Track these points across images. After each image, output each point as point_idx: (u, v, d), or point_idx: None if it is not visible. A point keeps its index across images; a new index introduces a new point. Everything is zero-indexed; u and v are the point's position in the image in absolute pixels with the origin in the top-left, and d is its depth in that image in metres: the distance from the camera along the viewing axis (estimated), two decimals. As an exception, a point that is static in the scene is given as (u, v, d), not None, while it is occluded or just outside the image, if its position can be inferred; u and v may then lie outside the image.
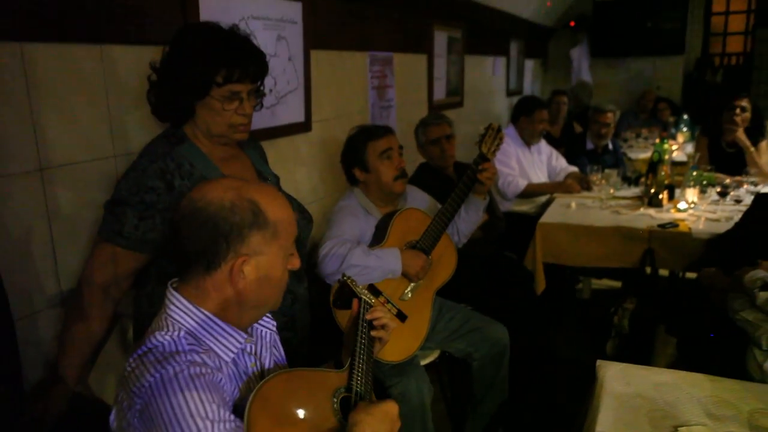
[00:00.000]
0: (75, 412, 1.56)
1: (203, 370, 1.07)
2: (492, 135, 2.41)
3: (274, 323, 1.36)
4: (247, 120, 1.65)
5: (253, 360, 1.26)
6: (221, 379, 1.11)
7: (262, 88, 1.68)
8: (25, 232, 1.62)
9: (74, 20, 1.67)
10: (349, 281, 1.53)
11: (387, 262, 2.18)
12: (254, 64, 1.60)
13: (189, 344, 1.12)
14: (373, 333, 1.43)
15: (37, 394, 1.56)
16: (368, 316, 1.44)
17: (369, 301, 1.49)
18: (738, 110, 4.08)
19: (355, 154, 2.37)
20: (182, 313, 1.16)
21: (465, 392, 2.59)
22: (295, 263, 1.27)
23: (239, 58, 1.56)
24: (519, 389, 2.72)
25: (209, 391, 1.05)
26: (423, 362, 2.37)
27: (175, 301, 1.17)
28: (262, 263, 1.18)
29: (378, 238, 2.31)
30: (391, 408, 1.19)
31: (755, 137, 4.14)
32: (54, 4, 1.61)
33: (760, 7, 7.38)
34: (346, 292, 1.53)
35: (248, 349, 1.26)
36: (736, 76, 7.48)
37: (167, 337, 1.11)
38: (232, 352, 1.19)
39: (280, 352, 1.38)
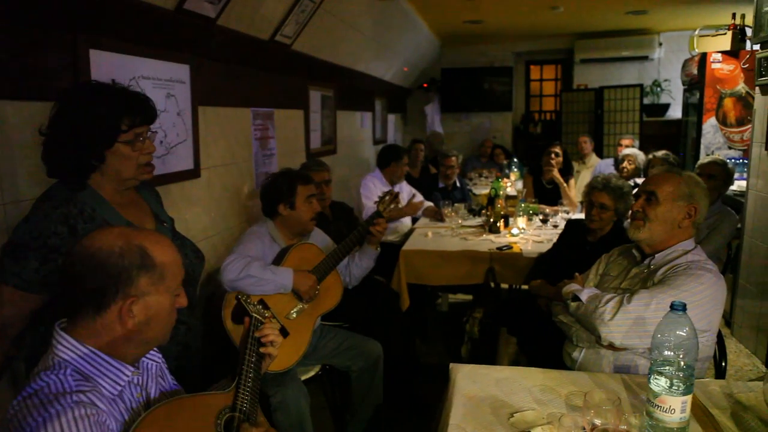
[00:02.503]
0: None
1: (89, 411, 0.98)
2: (390, 199, 2.51)
3: (160, 355, 1.28)
4: (152, 159, 1.58)
5: (139, 390, 1.18)
6: (106, 419, 1.02)
7: (154, 132, 1.62)
8: None
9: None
10: (242, 300, 1.50)
11: (281, 277, 2.16)
12: (148, 107, 1.55)
13: (76, 381, 1.03)
14: (262, 349, 1.40)
15: None
16: (257, 334, 1.40)
17: (260, 319, 1.45)
18: (552, 155, 4.48)
19: (284, 193, 2.36)
20: (69, 351, 1.06)
21: (346, 400, 2.58)
22: (182, 302, 1.21)
23: (136, 104, 1.52)
24: (392, 393, 2.75)
25: None
26: (305, 376, 2.35)
27: (62, 340, 1.07)
28: (151, 303, 1.12)
29: (276, 262, 2.29)
30: None
31: (566, 175, 4.55)
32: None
33: (564, 76, 8.25)
34: (241, 310, 1.49)
35: (135, 381, 1.17)
36: (551, 128, 8.21)
37: (53, 377, 1.01)
38: (120, 385, 1.10)
39: (167, 381, 1.30)
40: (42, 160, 1.47)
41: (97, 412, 1.00)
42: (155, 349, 1.26)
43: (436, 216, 4.09)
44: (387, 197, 2.53)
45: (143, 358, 1.22)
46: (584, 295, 1.86)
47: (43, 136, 1.46)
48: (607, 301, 1.76)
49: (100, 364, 1.08)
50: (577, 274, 2.18)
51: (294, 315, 2.25)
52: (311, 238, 2.52)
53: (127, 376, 1.12)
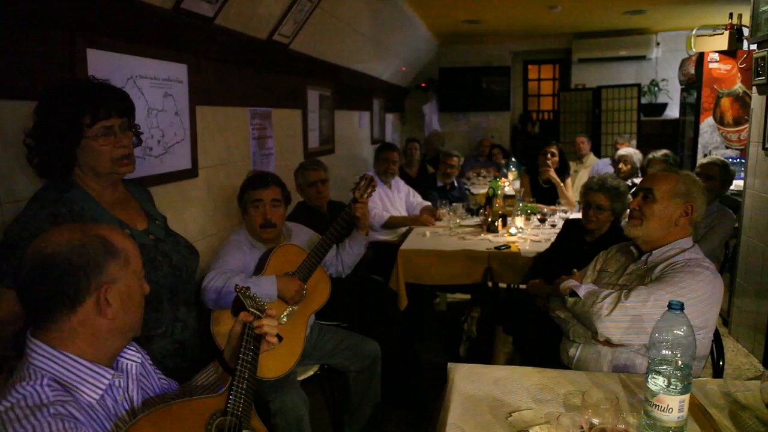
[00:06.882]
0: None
1: (67, 425, 0.95)
2: (366, 184, 2.43)
3: (139, 355, 1.23)
4: (128, 151, 1.54)
5: (121, 393, 1.14)
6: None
7: (135, 125, 1.59)
8: None
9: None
10: (240, 293, 1.46)
11: (263, 287, 2.11)
12: (114, 100, 1.52)
13: (53, 392, 0.99)
14: (263, 336, 1.37)
15: None
16: (256, 327, 1.36)
17: (258, 314, 1.41)
18: (549, 155, 4.49)
19: (240, 197, 2.36)
20: (44, 359, 1.02)
21: (345, 400, 2.57)
22: (146, 287, 1.19)
23: (99, 98, 1.49)
24: (390, 393, 2.74)
25: None
26: (303, 376, 2.34)
27: (36, 348, 1.03)
28: (122, 289, 1.10)
29: (258, 269, 2.26)
30: None
31: (563, 175, 4.56)
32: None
33: (562, 76, 8.26)
34: (239, 303, 1.46)
35: (116, 383, 1.13)
36: (549, 127, 8.22)
37: (29, 389, 0.97)
38: (100, 389, 1.07)
39: (151, 380, 1.26)
40: (26, 160, 1.47)
41: (75, 425, 0.97)
42: (135, 347, 1.23)
43: (433, 215, 4.08)
44: (362, 182, 2.44)
45: (121, 359, 1.18)
46: (582, 291, 1.86)
47: (25, 137, 1.46)
48: (605, 297, 1.76)
49: (78, 369, 1.05)
50: (575, 270, 2.18)
51: (285, 319, 2.22)
52: (293, 236, 2.47)
53: (107, 379, 1.09)
